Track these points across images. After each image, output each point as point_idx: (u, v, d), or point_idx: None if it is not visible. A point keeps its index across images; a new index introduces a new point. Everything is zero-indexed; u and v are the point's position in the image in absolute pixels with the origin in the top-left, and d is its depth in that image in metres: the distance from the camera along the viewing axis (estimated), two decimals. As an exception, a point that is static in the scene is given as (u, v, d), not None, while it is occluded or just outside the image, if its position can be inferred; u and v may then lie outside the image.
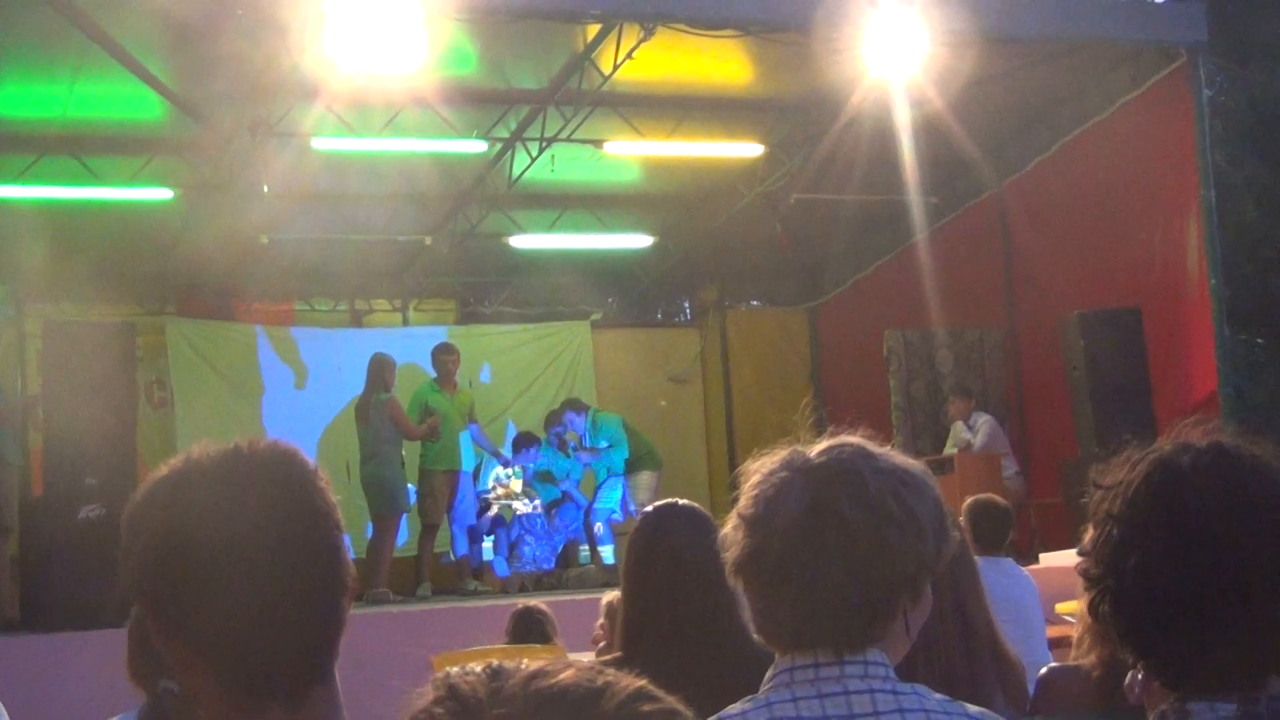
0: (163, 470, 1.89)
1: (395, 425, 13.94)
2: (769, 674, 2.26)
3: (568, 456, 15.88)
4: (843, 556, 2.18)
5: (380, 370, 14.19)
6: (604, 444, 15.69)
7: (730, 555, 2.29)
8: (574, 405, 16.14)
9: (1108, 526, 2.10)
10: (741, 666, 3.08)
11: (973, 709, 2.25)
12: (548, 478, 15.75)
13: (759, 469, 2.31)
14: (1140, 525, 2.06)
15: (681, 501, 3.92)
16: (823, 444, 2.30)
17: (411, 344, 17.14)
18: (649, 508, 3.98)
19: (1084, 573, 2.16)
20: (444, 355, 14.92)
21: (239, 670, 1.80)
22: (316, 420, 17.29)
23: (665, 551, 3.75)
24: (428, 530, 14.54)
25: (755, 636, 2.47)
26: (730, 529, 2.29)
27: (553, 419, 16.08)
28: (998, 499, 8.26)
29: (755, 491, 2.28)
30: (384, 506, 13.80)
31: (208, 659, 1.81)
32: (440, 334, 17.86)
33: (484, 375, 18.73)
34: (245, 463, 1.87)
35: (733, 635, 3.58)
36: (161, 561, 1.82)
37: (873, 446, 2.31)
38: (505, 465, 15.72)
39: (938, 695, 2.24)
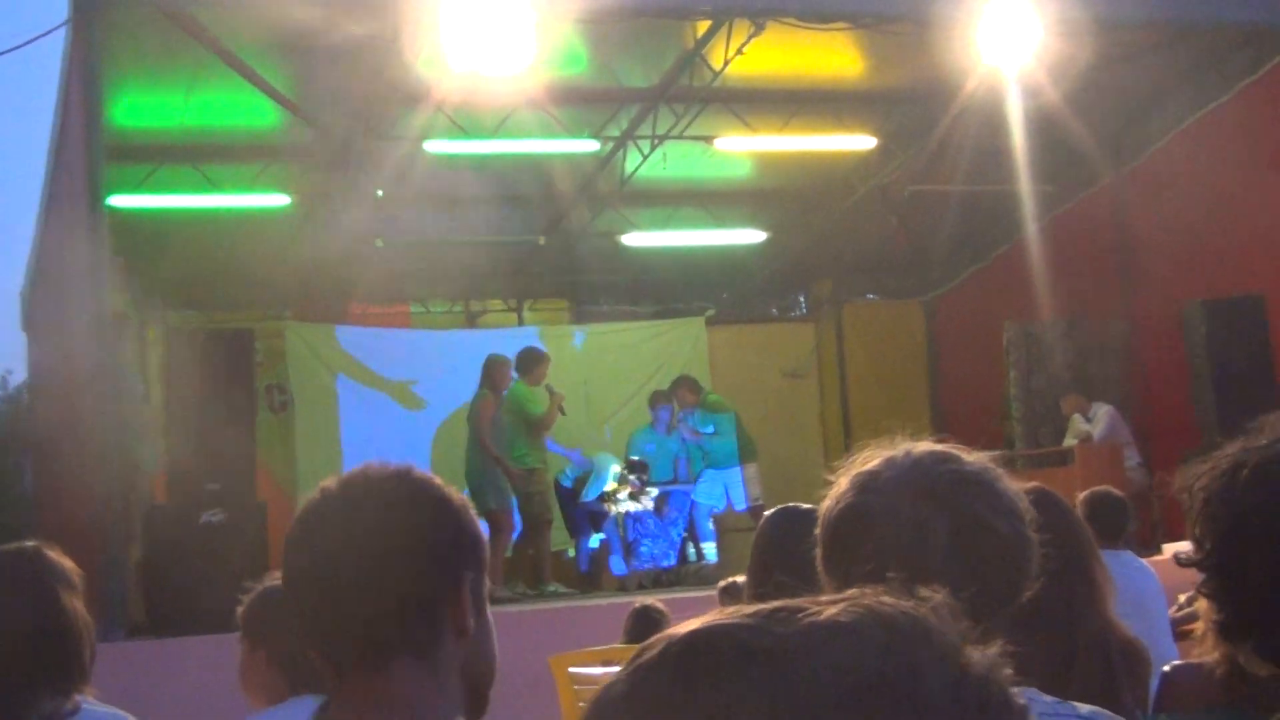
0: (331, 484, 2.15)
1: (476, 422, 13.94)
2: None
3: (670, 436, 15.84)
4: (999, 567, 2.12)
5: (491, 370, 14.15)
6: (709, 430, 15.64)
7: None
8: (690, 385, 16.12)
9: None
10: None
11: (1084, 708, 2.20)
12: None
13: (853, 506, 2.17)
14: (1233, 508, 2.11)
15: (806, 505, 3.90)
16: (893, 457, 2.17)
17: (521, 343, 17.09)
18: (781, 508, 3.96)
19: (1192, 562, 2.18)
20: (536, 357, 14.76)
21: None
22: (427, 423, 17.39)
23: (794, 554, 3.73)
24: (544, 527, 14.47)
25: None
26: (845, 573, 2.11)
27: (659, 398, 16.07)
28: (1114, 490, 8.14)
29: (878, 533, 2.11)
30: (477, 504, 13.60)
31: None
32: (560, 333, 17.93)
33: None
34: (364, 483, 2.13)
35: None
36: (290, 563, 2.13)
37: (949, 448, 2.21)
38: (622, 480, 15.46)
39: (1048, 697, 2.20)
